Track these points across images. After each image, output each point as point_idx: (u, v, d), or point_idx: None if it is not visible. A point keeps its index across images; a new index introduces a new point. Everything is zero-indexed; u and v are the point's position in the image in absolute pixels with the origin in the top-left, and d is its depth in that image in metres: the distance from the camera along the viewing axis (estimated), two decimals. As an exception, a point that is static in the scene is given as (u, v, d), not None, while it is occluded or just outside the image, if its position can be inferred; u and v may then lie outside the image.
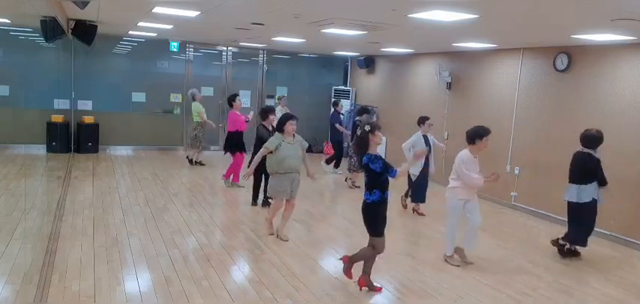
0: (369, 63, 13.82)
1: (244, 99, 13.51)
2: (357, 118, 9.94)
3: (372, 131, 4.80)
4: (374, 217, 4.88)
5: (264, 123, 7.70)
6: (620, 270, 6.24)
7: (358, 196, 9.61)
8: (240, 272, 5.44)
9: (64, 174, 9.72)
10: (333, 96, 14.65)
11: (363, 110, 10.19)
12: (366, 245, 5.04)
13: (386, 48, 11.35)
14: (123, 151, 12.74)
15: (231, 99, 9.47)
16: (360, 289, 5.00)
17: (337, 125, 11.47)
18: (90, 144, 12.12)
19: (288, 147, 6.22)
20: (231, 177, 9.48)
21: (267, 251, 6.07)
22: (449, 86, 10.78)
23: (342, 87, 14.91)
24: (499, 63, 9.63)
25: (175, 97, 13.48)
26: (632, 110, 7.27)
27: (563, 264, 6.32)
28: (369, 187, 4.82)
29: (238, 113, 9.34)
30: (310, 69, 15.26)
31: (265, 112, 7.80)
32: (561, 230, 7.89)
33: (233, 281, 5.17)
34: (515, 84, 9.19)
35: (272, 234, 6.59)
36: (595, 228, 7.64)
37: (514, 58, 9.21)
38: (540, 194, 8.62)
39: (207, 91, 13.61)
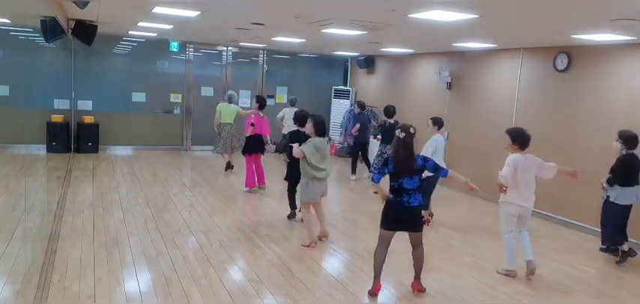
0: (369, 63, 13.82)
1: (244, 99, 13.56)
2: (392, 121, 9.30)
3: (415, 134, 4.82)
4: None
5: (302, 130, 6.84)
6: (617, 269, 6.23)
7: (357, 196, 9.73)
8: (240, 272, 5.44)
9: (64, 174, 9.72)
10: (333, 95, 14.67)
11: (392, 110, 9.53)
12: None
13: (386, 48, 11.35)
14: (123, 151, 12.73)
15: (264, 102, 9.04)
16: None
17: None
18: (90, 144, 12.12)
19: (323, 150, 6.07)
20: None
21: (267, 251, 6.07)
22: (449, 86, 10.78)
23: (342, 87, 14.91)
24: (499, 63, 9.63)
25: (175, 97, 13.49)
26: (632, 110, 7.26)
27: (562, 264, 6.32)
28: (420, 191, 4.81)
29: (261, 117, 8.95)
30: (310, 69, 15.25)
31: (304, 119, 6.79)
32: (560, 230, 7.96)
33: (233, 281, 5.17)
34: (515, 85, 9.19)
35: (320, 239, 6.43)
36: (591, 227, 7.73)
37: (514, 58, 9.21)
38: (540, 194, 8.58)
39: (207, 91, 13.65)
